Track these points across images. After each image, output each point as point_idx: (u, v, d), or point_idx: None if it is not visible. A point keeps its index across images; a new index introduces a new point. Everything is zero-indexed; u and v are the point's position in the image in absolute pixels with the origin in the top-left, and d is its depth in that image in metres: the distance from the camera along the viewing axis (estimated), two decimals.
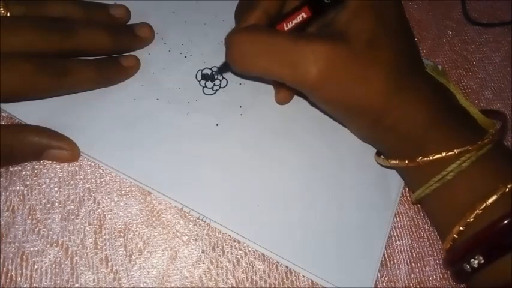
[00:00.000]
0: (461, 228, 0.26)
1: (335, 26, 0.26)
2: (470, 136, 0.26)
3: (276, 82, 0.32)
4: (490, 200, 0.25)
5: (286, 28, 0.27)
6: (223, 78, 0.33)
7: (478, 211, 0.25)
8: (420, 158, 0.27)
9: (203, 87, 0.33)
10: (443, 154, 0.26)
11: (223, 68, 0.32)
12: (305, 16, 0.27)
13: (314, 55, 0.25)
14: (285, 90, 0.32)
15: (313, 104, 0.32)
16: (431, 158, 0.26)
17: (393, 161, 0.29)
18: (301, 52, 0.25)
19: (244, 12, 0.29)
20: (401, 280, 0.30)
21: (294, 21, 0.27)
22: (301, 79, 0.26)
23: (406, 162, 0.28)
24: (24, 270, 0.27)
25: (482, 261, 0.25)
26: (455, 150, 0.26)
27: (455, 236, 0.26)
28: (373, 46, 0.26)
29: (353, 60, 0.25)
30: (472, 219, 0.25)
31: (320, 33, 0.28)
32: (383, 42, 0.26)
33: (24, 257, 0.27)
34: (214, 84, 0.33)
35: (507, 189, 0.25)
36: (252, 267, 0.29)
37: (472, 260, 0.25)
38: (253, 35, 0.27)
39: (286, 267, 0.29)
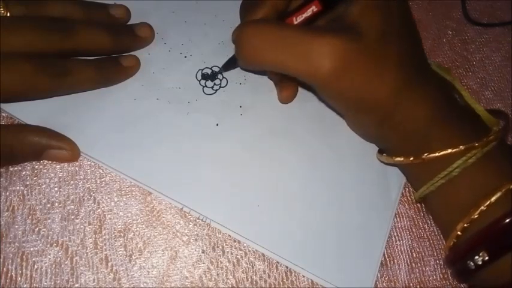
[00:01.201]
0: (465, 225, 0.26)
1: (346, 20, 0.26)
2: (475, 133, 0.26)
3: (279, 80, 0.32)
4: (495, 197, 0.25)
5: (295, 22, 0.27)
6: (223, 77, 0.33)
7: (482, 208, 0.25)
8: (426, 154, 0.27)
9: (203, 86, 0.33)
10: (449, 150, 0.26)
11: (229, 65, 0.32)
12: (316, 10, 0.27)
13: (328, 49, 0.25)
14: (289, 88, 0.32)
15: (321, 100, 0.32)
16: (437, 154, 0.26)
17: (398, 158, 0.28)
18: (315, 45, 0.25)
19: (252, 8, 0.28)
20: (401, 280, 0.30)
21: (304, 15, 0.27)
22: (314, 73, 0.25)
23: (411, 159, 0.27)
24: (24, 270, 0.27)
25: (487, 258, 0.25)
26: (461, 147, 0.26)
27: (459, 233, 0.26)
28: (384, 41, 0.26)
29: (365, 55, 0.25)
30: (476, 216, 0.25)
31: (331, 26, 0.28)
32: (393, 37, 0.26)
33: (24, 257, 0.27)
34: (215, 84, 0.33)
35: (511, 187, 0.25)
36: (252, 267, 0.29)
37: (476, 257, 0.25)
38: (265, 28, 0.26)
39: (286, 267, 0.29)
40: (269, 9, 0.28)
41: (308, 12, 0.27)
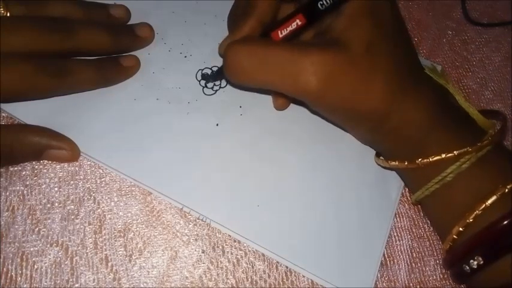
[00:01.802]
0: (460, 229, 0.26)
1: (332, 33, 0.26)
2: (470, 137, 0.26)
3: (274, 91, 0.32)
4: (490, 201, 0.25)
5: (280, 35, 0.27)
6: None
7: (477, 212, 0.25)
8: (420, 159, 0.27)
9: (203, 87, 0.33)
10: (443, 156, 0.26)
11: (218, 75, 0.32)
12: (300, 23, 0.27)
13: (314, 65, 0.25)
14: (282, 97, 0.32)
15: (314, 112, 0.32)
16: (430, 159, 0.26)
17: (393, 162, 0.29)
18: (301, 63, 0.25)
19: (238, 20, 0.28)
20: (401, 280, 0.30)
21: (289, 29, 0.27)
22: (302, 90, 0.25)
23: (406, 163, 0.28)
24: (24, 270, 0.27)
25: (482, 262, 0.25)
26: (454, 152, 0.26)
27: (454, 236, 0.26)
28: (372, 52, 0.26)
29: (353, 68, 0.25)
30: (471, 220, 0.25)
31: (318, 41, 0.28)
32: (381, 47, 0.26)
33: (24, 257, 0.27)
34: (214, 84, 0.33)
35: (506, 190, 0.25)
36: (252, 267, 0.29)
37: (472, 260, 0.25)
38: (250, 47, 0.26)
39: (286, 267, 0.29)
40: (255, 23, 0.28)
41: (292, 26, 0.27)
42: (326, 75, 0.25)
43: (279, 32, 0.27)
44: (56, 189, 0.29)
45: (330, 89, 0.25)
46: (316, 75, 0.25)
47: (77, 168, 0.30)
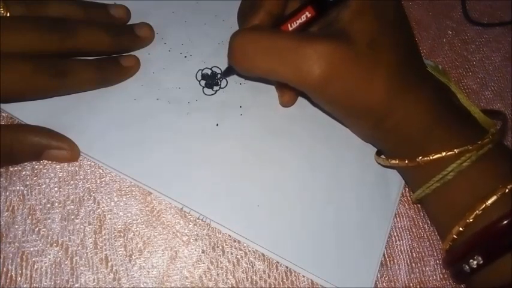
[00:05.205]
0: (460, 229, 0.26)
1: (337, 25, 0.26)
2: (471, 136, 0.26)
3: (279, 85, 0.32)
4: (490, 201, 0.25)
5: (290, 28, 0.27)
6: (223, 78, 0.33)
7: (477, 211, 0.25)
8: (420, 157, 0.27)
9: (203, 87, 0.33)
10: (444, 154, 0.26)
11: (228, 72, 0.32)
12: (309, 15, 0.27)
13: (317, 55, 0.25)
14: (289, 92, 0.32)
15: (315, 105, 0.32)
16: (431, 157, 0.26)
17: (393, 161, 0.29)
18: (304, 52, 0.25)
19: (247, 14, 0.28)
20: (401, 280, 0.30)
21: (298, 21, 0.27)
22: (304, 79, 0.26)
23: (406, 162, 0.28)
24: (24, 270, 0.27)
25: (481, 262, 0.25)
26: (455, 150, 0.26)
27: (454, 236, 0.26)
28: (375, 46, 0.26)
29: (355, 60, 0.25)
30: (471, 220, 0.25)
31: (322, 32, 0.28)
32: (385, 42, 0.26)
33: (24, 257, 0.27)
34: (215, 85, 0.33)
35: (507, 190, 0.25)
36: (252, 267, 0.29)
37: (471, 260, 0.25)
38: (255, 35, 0.26)
39: (286, 267, 0.29)
40: (264, 16, 0.28)
41: (302, 18, 0.27)
42: (328, 65, 0.25)
43: (289, 25, 0.27)
44: (56, 189, 0.29)
45: (331, 80, 0.25)
46: (318, 64, 0.25)
47: (77, 168, 0.30)
